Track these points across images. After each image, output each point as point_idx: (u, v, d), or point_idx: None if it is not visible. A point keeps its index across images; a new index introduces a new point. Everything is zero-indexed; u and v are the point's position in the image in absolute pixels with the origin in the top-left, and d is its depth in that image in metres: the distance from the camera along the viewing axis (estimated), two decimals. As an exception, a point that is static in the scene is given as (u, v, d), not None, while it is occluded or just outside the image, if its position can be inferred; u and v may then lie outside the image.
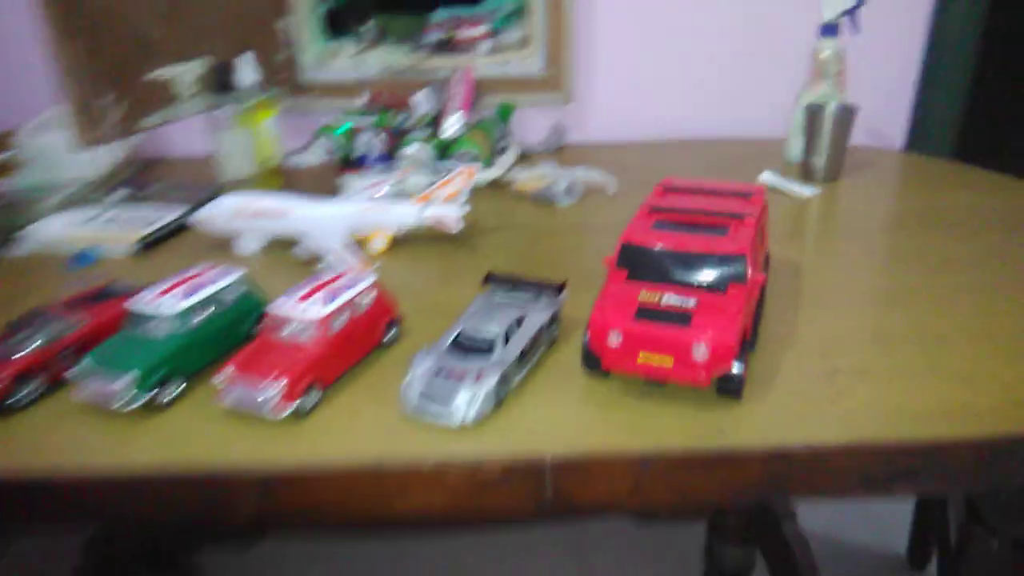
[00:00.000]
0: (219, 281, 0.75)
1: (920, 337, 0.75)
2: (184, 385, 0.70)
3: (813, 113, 1.19)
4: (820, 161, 1.21)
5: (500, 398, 0.66)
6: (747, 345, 0.65)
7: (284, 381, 0.64)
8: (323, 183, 1.15)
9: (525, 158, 1.39)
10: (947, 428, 0.62)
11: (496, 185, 1.27)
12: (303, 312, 0.69)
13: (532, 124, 1.50)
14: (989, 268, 0.90)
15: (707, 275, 0.68)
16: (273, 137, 1.28)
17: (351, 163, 1.30)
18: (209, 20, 1.25)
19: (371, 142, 1.30)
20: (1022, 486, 0.90)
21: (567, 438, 0.63)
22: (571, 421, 0.65)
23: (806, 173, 1.24)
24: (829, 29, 1.23)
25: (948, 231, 1.01)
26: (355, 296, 0.72)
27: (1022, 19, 1.83)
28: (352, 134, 1.31)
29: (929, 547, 1.47)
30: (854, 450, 0.61)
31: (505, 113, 1.41)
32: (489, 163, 1.29)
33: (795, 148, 1.30)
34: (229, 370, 0.66)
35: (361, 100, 1.43)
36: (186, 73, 1.21)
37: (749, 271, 0.67)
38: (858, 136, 1.23)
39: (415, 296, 0.89)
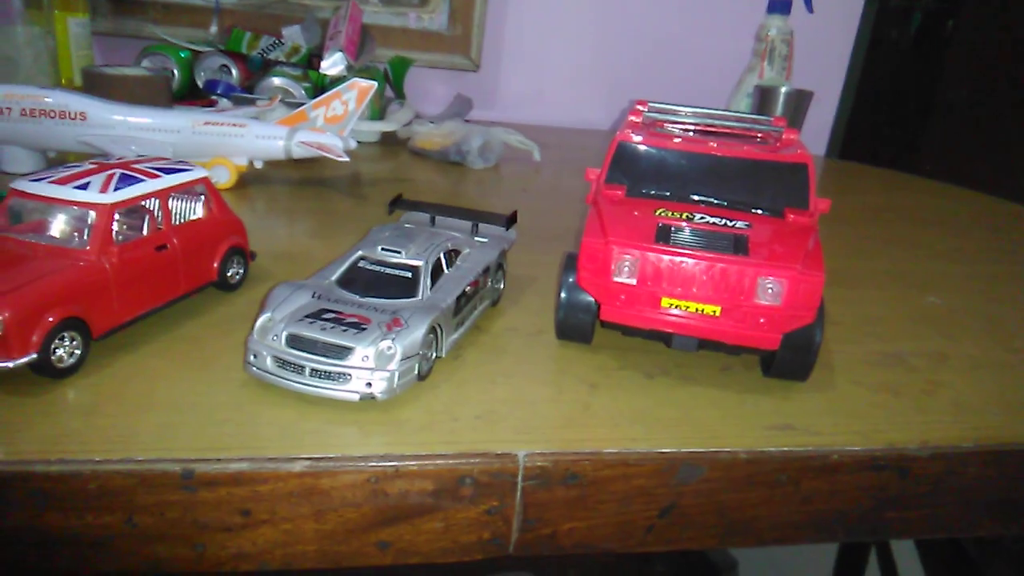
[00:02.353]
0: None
1: (976, 322, 0.56)
2: None
3: (765, 94, 1.03)
4: (768, 152, 1.04)
5: (427, 365, 0.39)
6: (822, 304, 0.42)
7: (4, 313, 0.33)
8: (147, 103, 0.82)
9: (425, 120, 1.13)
10: (1100, 430, 0.41)
11: (388, 142, 1.00)
12: (71, 195, 0.38)
13: (431, 91, 1.24)
14: (1000, 260, 0.74)
15: (753, 194, 0.45)
16: (83, 48, 0.93)
17: (195, 93, 0.97)
18: None
19: (222, 69, 0.98)
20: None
21: (546, 431, 0.36)
22: (549, 406, 0.38)
23: (751, 165, 1.06)
24: (778, 5, 1.09)
25: (936, 225, 0.86)
26: (169, 188, 0.42)
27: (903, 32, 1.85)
28: (195, 60, 0.99)
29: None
30: (992, 457, 0.39)
31: (399, 68, 1.14)
32: (377, 118, 1.02)
33: (734, 141, 1.14)
34: None
35: (211, 30, 1.11)
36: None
37: (813, 191, 0.45)
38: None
39: (272, 239, 0.60)
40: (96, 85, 0.80)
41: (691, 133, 0.49)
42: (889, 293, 0.61)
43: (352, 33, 1.07)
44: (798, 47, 1.13)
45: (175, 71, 0.97)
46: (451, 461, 0.33)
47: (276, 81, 0.96)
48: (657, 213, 0.42)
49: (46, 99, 0.67)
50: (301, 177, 0.79)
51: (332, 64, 0.99)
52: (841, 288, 0.61)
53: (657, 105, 0.57)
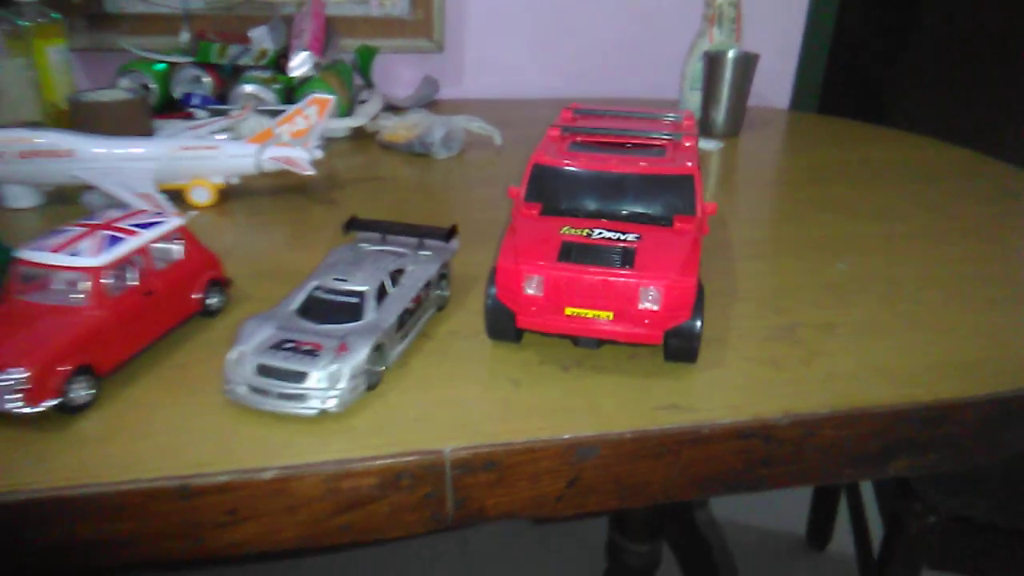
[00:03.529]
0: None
1: (876, 286, 0.64)
2: None
3: (713, 60, 1.08)
4: (720, 114, 1.10)
5: (374, 377, 0.47)
6: (702, 294, 0.49)
7: (28, 369, 0.41)
8: (129, 125, 0.89)
9: (391, 111, 1.19)
10: (945, 388, 0.49)
11: (358, 136, 1.06)
12: (67, 261, 0.46)
13: (398, 74, 1.30)
14: (922, 216, 0.81)
15: (647, 204, 0.52)
16: (63, 72, 0.99)
17: (172, 106, 1.04)
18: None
19: (196, 80, 1.04)
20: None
21: (473, 426, 0.44)
22: (477, 403, 0.46)
23: (705, 127, 1.12)
24: (725, -30, 1.13)
25: (871, 181, 0.93)
26: (149, 242, 0.50)
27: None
28: (171, 72, 1.05)
29: (829, 527, 1.42)
30: (846, 420, 0.47)
31: (365, 57, 1.19)
32: (347, 111, 1.08)
33: (690, 102, 1.19)
34: (-61, 350, 0.42)
35: (182, 37, 1.16)
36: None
37: (699, 198, 0.52)
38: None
39: (251, 258, 0.67)
40: (82, 113, 0.86)
41: (603, 147, 0.56)
42: (803, 263, 0.68)
43: (316, 30, 1.12)
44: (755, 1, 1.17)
45: (152, 86, 1.03)
46: (390, 460, 0.41)
47: (248, 88, 1.02)
48: (562, 231, 0.50)
49: (37, 140, 0.74)
50: (280, 184, 0.86)
51: (299, 64, 1.05)
52: (758, 261, 0.68)
53: (583, 111, 0.64)
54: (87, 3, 1.13)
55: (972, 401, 0.48)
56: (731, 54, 1.08)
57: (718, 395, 0.48)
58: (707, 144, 1.05)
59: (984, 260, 0.70)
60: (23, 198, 0.77)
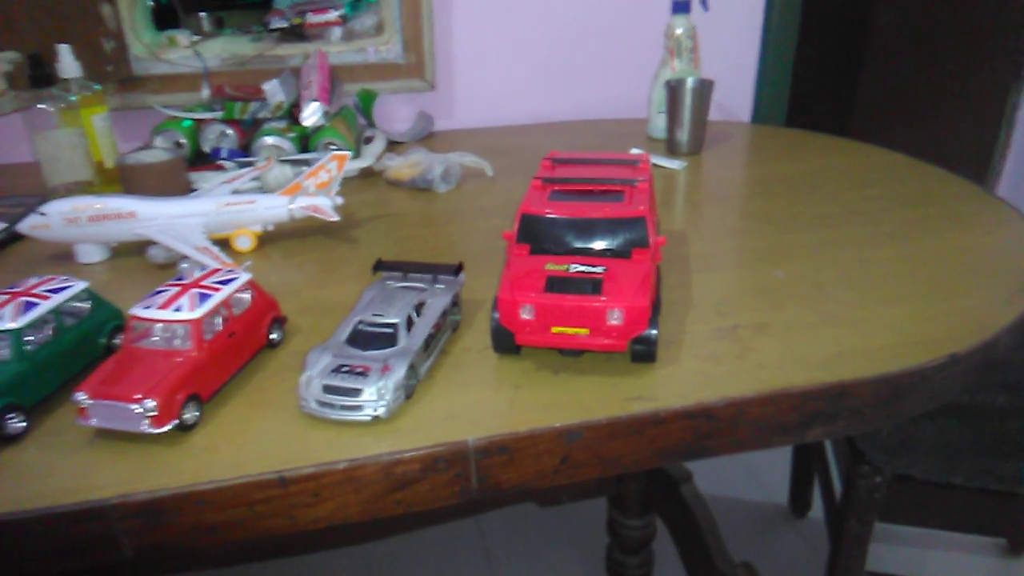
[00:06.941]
0: (58, 295, 0.64)
1: (804, 290, 0.78)
2: (24, 420, 0.59)
3: (673, 89, 1.23)
4: (683, 135, 1.25)
5: (410, 389, 0.61)
6: (657, 308, 0.64)
7: (156, 399, 0.55)
8: (171, 181, 1.03)
9: (393, 147, 1.33)
10: (847, 371, 0.64)
11: (367, 175, 1.21)
12: (175, 316, 0.60)
13: (396, 112, 1.44)
14: (851, 222, 0.96)
15: (611, 241, 0.67)
16: (107, 136, 1.13)
17: (202, 159, 1.18)
18: (16, 6, 1.08)
19: (222, 135, 1.19)
20: (906, 422, 0.97)
21: (487, 421, 0.59)
22: (489, 404, 0.61)
23: (671, 147, 1.27)
24: (680, 6, 1.27)
25: (811, 192, 1.07)
26: (230, 295, 0.64)
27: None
28: (198, 127, 1.19)
29: (808, 496, 1.57)
30: (768, 400, 0.61)
31: (367, 100, 1.34)
32: (355, 153, 1.23)
33: (658, 125, 1.34)
34: (90, 388, 0.56)
35: (203, 93, 1.31)
36: (-8, 65, 1.04)
37: (651, 233, 0.66)
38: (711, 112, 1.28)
39: (294, 296, 0.81)
40: (130, 174, 1.01)
41: (576, 195, 0.71)
42: (746, 271, 0.83)
43: (323, 80, 1.26)
44: (714, 25, 1.32)
45: (184, 141, 1.17)
46: (428, 450, 0.56)
47: (268, 140, 1.16)
48: (547, 267, 0.64)
49: (104, 205, 0.88)
50: (307, 227, 1.00)
51: (311, 114, 1.20)
52: (710, 273, 0.83)
53: (559, 160, 0.79)
54: (118, 69, 1.27)
55: (868, 380, 0.63)
56: (689, 82, 1.22)
57: (672, 387, 0.62)
58: (672, 163, 1.20)
59: (897, 261, 0.85)
60: (93, 254, 0.92)
